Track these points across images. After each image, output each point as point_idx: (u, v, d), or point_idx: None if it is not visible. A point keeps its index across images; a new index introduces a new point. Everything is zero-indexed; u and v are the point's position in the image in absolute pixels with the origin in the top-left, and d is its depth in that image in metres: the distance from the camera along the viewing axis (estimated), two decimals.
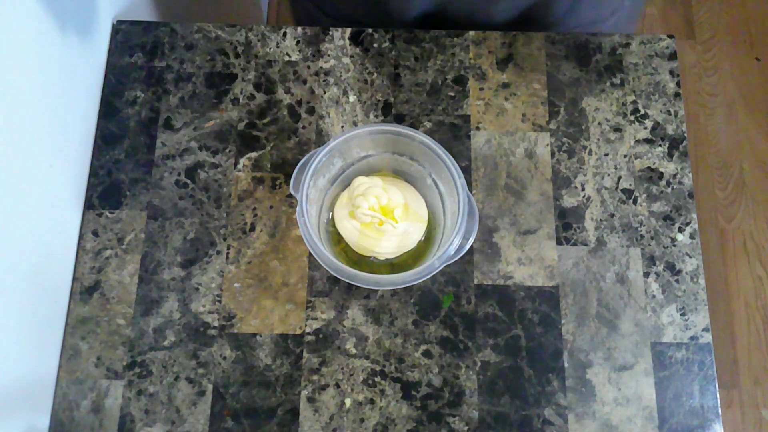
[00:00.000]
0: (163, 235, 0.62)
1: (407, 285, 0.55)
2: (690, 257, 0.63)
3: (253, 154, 0.65)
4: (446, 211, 0.60)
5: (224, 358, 0.59)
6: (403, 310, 0.61)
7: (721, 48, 1.68)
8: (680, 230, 0.64)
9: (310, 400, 0.58)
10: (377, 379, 0.59)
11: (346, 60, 0.69)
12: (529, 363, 0.60)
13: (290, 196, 0.63)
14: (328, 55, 0.69)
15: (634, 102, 0.68)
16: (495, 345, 0.60)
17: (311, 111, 0.67)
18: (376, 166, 0.62)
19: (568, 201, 0.64)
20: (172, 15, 0.91)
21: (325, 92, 0.68)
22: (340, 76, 0.68)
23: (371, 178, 0.61)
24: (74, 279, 0.61)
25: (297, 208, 0.54)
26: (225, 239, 0.62)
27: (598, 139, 0.67)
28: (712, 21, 1.70)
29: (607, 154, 0.66)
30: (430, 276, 0.53)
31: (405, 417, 0.58)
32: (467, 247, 0.54)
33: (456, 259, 0.54)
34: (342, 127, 0.66)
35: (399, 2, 0.74)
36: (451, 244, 0.53)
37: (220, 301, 0.61)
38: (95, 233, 0.62)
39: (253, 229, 0.63)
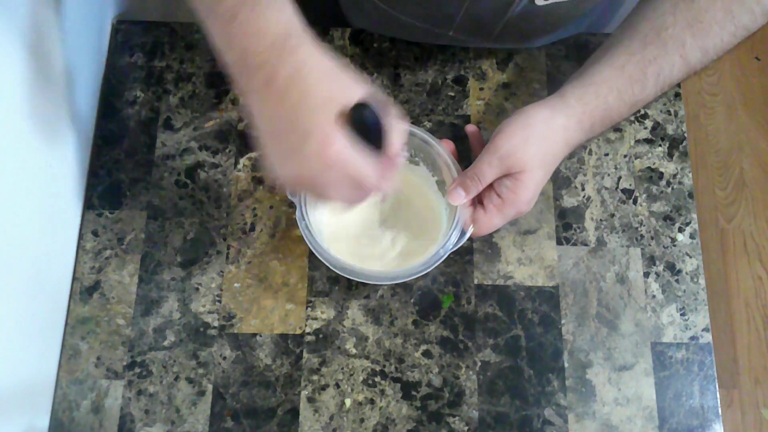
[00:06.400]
0: (163, 235, 0.62)
1: (413, 277, 0.54)
2: (690, 257, 0.63)
3: (253, 154, 0.65)
4: (446, 206, 0.60)
5: (224, 358, 0.59)
6: (403, 310, 0.61)
7: None
8: (680, 230, 0.64)
9: (310, 400, 0.58)
10: (377, 379, 0.59)
11: (346, 60, 0.69)
12: (529, 363, 0.60)
13: None
14: None
15: None
16: (495, 345, 0.60)
17: None
18: None
19: (568, 201, 0.64)
20: (172, 15, 0.91)
21: None
22: None
23: None
24: (74, 279, 0.61)
25: (296, 212, 0.54)
26: (225, 239, 0.62)
27: (598, 139, 0.66)
28: None
29: (607, 154, 0.66)
30: (435, 266, 0.54)
31: (405, 417, 0.58)
32: (468, 234, 0.55)
33: (459, 246, 0.54)
34: None
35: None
36: (449, 238, 0.54)
37: (220, 301, 0.61)
38: (95, 233, 0.62)
39: (253, 229, 0.63)
